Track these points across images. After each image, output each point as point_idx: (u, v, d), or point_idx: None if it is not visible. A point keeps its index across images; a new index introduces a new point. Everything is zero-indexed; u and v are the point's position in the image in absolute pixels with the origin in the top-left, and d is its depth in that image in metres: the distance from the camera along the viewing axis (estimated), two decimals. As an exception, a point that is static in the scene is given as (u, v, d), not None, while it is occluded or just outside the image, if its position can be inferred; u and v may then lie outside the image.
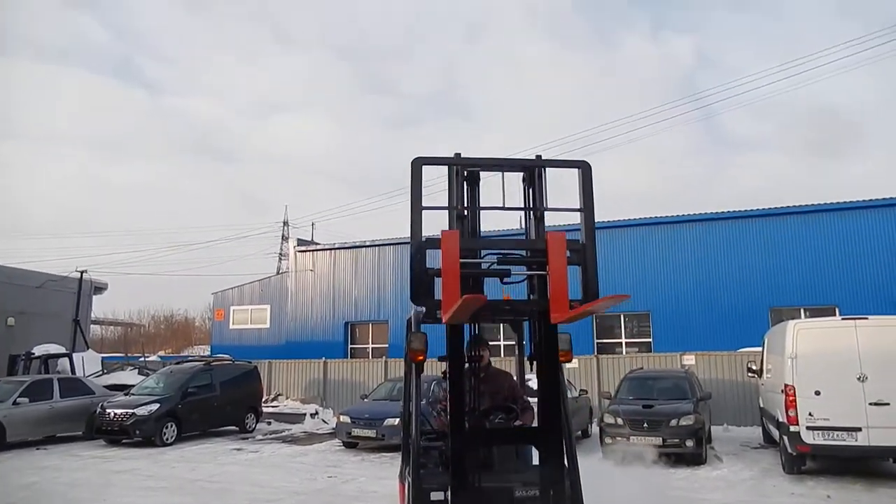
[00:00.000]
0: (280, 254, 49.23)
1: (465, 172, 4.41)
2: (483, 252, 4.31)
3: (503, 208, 4.50)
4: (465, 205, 4.37)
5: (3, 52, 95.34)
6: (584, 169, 4.36)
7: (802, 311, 19.77)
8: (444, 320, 3.84)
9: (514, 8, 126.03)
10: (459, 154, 4.37)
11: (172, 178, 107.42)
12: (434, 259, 3.97)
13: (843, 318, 10.58)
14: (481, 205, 4.54)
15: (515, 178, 4.61)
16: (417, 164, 4.15)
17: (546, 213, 4.41)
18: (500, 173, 4.47)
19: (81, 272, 26.18)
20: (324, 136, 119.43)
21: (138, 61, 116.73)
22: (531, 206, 4.46)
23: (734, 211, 22.18)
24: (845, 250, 20.09)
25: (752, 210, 21.99)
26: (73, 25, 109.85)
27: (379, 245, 26.97)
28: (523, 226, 4.56)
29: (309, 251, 29.17)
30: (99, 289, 29.23)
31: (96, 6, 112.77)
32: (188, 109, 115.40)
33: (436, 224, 4.17)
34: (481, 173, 4.55)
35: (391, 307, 25.69)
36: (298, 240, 32.06)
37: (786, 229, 21.05)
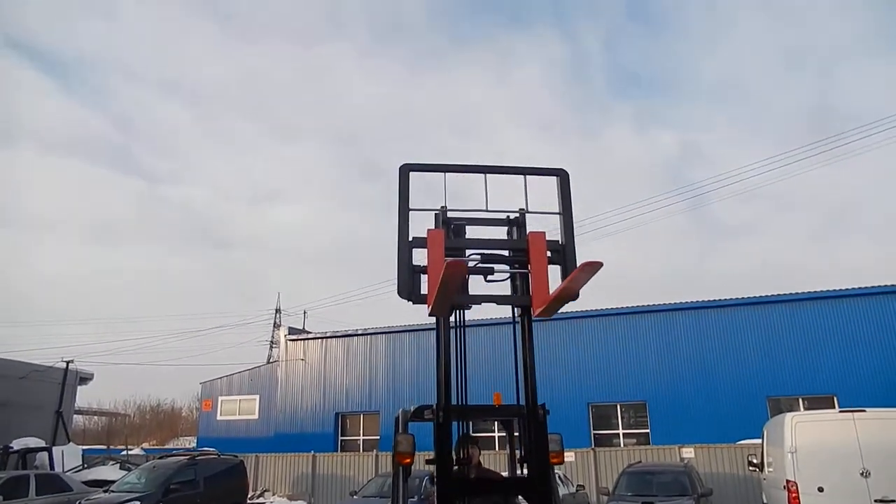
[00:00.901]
0: (271, 341, 48.72)
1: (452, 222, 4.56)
2: (468, 251, 4.41)
3: (486, 211, 4.65)
4: (451, 207, 4.60)
5: (9, 144, 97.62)
6: (563, 176, 4.61)
7: (800, 400, 19.50)
8: (429, 312, 3.97)
9: (502, 106, 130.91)
10: (445, 164, 4.63)
11: (166, 266, 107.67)
12: (421, 258, 4.18)
13: (841, 411, 10.43)
14: (466, 209, 4.74)
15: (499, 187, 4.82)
16: (405, 171, 4.42)
17: (527, 216, 4.59)
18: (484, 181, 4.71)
19: (67, 362, 25.73)
20: (318, 225, 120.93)
21: (135, 152, 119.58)
22: (513, 209, 4.68)
23: (729, 299, 22.21)
24: (841, 338, 20.00)
25: (746, 298, 22.02)
26: (75, 117, 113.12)
27: (371, 334, 26.76)
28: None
29: (300, 340, 28.87)
30: (84, 379, 28.66)
31: (98, 99, 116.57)
32: (183, 198, 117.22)
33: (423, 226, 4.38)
34: (468, 181, 4.79)
35: (383, 397, 25.20)
36: (290, 328, 31.78)
37: (781, 317, 21.02)
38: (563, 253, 4.45)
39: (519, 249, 4.42)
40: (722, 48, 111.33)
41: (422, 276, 4.25)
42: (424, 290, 4.20)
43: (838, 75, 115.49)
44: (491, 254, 4.50)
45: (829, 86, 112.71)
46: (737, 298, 22.09)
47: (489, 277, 4.41)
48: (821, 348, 20.10)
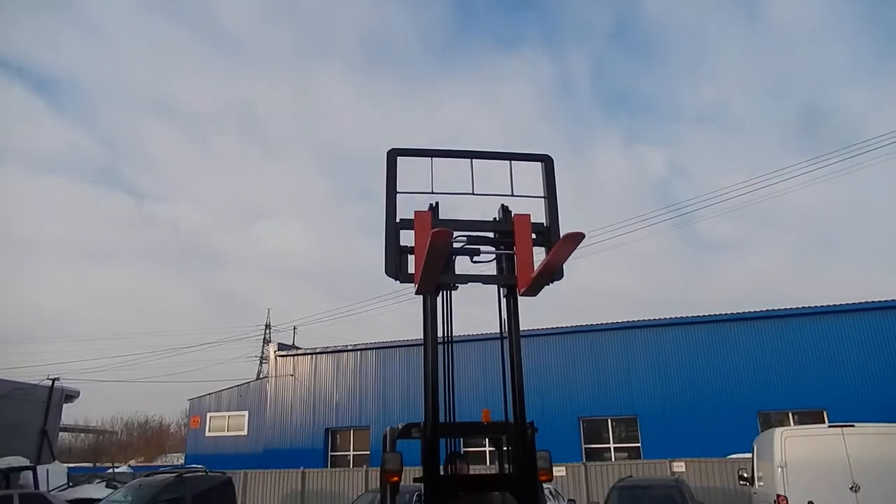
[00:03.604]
0: (261, 357, 48.46)
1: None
2: (454, 233, 4.43)
3: (473, 194, 4.72)
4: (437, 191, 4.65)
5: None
6: (547, 162, 4.70)
7: (790, 414, 19.55)
8: (416, 290, 4.04)
9: (490, 124, 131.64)
10: (432, 149, 4.70)
11: (154, 283, 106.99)
12: (408, 240, 4.23)
13: (830, 426, 10.45)
14: (453, 192, 4.79)
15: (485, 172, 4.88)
16: (393, 156, 4.49)
17: (512, 200, 4.67)
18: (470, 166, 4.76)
19: (53, 380, 25.42)
20: (307, 242, 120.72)
21: (122, 170, 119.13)
22: (499, 194, 4.73)
23: (719, 314, 22.30)
24: (831, 353, 20.09)
25: (736, 313, 22.12)
26: (63, 136, 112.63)
27: (361, 349, 26.64)
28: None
29: (290, 356, 28.69)
30: (70, 396, 28.28)
31: (86, 118, 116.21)
32: (171, 216, 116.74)
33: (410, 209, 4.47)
34: (455, 165, 4.83)
35: (373, 412, 25.04)
36: (279, 344, 31.62)
37: (771, 332, 21.11)
38: (547, 234, 4.53)
39: (504, 231, 4.48)
40: (707, 69, 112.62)
41: (409, 256, 4.31)
42: (412, 270, 4.25)
43: (824, 97, 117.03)
44: (477, 236, 4.55)
45: (814, 107, 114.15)
46: (727, 314, 22.19)
47: (475, 259, 4.48)
48: (811, 363, 20.18)
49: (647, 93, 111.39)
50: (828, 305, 20.98)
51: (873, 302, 20.37)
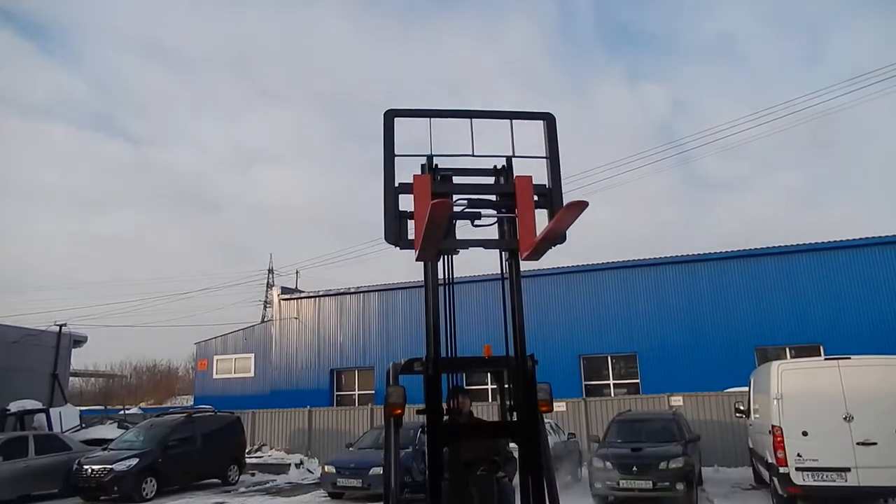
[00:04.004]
0: (265, 302, 48.89)
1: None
2: (454, 196, 4.40)
3: (473, 156, 4.63)
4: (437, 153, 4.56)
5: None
6: (549, 120, 4.54)
7: (787, 349, 19.84)
8: (417, 257, 3.95)
9: (492, 63, 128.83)
10: (431, 109, 4.55)
11: (155, 229, 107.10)
12: (407, 204, 4.13)
13: (826, 359, 10.61)
14: (452, 154, 4.69)
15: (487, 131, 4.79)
16: (390, 116, 4.34)
17: (514, 160, 4.56)
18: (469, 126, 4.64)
19: (60, 326, 25.75)
20: (307, 186, 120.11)
21: (120, 116, 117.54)
22: (499, 154, 4.64)
23: (718, 252, 22.39)
24: (828, 289, 20.26)
25: (736, 251, 22.19)
26: (57, 82, 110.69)
27: (363, 292, 26.88)
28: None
29: (293, 299, 28.97)
30: (78, 342, 28.70)
31: (78, 64, 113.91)
32: (170, 162, 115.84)
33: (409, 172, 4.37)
34: (455, 129, 4.75)
35: (377, 353, 25.45)
36: (283, 288, 31.88)
37: (769, 269, 21.23)
38: (549, 196, 4.42)
39: (506, 194, 4.38)
40: (714, 4, 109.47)
41: (409, 221, 4.22)
42: (412, 235, 4.17)
43: (830, 30, 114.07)
44: (478, 199, 4.47)
45: (819, 40, 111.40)
46: (726, 252, 22.26)
47: (476, 222, 4.40)
48: (808, 299, 20.37)
49: (650, 28, 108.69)
50: (825, 242, 21.05)
51: (871, 238, 20.43)
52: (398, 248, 4.31)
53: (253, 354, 30.22)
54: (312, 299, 28.37)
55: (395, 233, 4.24)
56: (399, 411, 4.35)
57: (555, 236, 3.78)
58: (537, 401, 4.19)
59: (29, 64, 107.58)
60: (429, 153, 4.45)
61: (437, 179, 4.47)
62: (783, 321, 20.43)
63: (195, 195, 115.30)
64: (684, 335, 21.42)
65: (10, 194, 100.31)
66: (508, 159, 4.54)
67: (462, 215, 4.40)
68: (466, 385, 5.06)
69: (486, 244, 4.46)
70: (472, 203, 4.42)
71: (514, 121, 4.66)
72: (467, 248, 4.50)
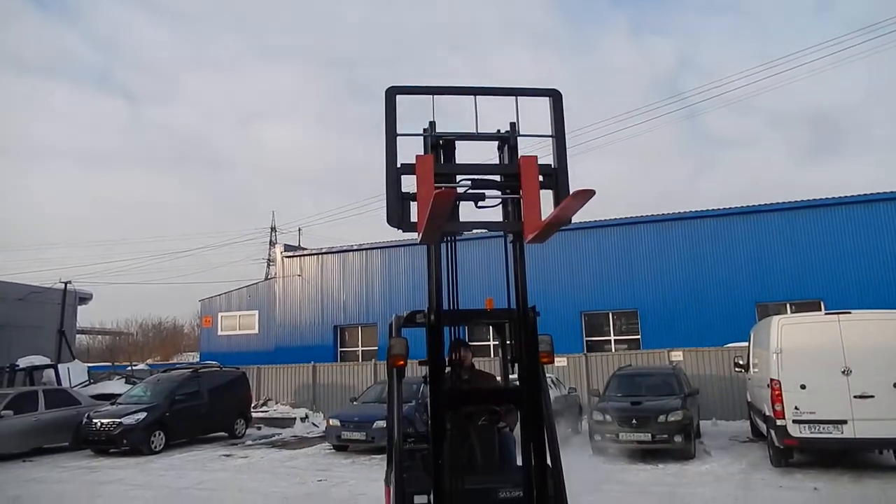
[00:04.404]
0: (268, 259, 49.05)
1: (441, 142, 4.43)
2: (458, 177, 4.35)
3: (477, 135, 4.55)
4: (440, 132, 4.44)
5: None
6: (555, 97, 4.41)
7: (788, 305, 19.91)
8: (419, 241, 3.89)
9: (493, 16, 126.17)
10: (433, 86, 4.42)
11: (157, 188, 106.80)
12: (410, 184, 4.06)
13: (826, 313, 10.67)
14: (456, 132, 4.57)
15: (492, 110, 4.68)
16: (392, 94, 4.20)
17: (519, 140, 4.48)
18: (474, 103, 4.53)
19: (65, 283, 25.93)
20: (309, 143, 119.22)
21: (120, 73, 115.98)
22: (504, 133, 4.52)
23: (720, 209, 22.34)
24: (830, 246, 20.24)
25: (737, 207, 22.13)
26: (55, 39, 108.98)
27: (366, 249, 26.93)
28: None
29: (296, 256, 29.06)
30: (84, 299, 28.96)
31: (77, 21, 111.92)
32: (171, 119, 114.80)
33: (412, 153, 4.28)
34: (457, 105, 4.63)
35: (380, 310, 25.62)
36: (285, 245, 31.96)
37: (771, 226, 21.19)
38: (555, 177, 4.31)
39: (510, 174, 4.26)
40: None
41: (411, 203, 4.10)
42: (415, 217, 4.06)
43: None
44: (481, 179, 4.37)
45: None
46: (729, 208, 22.20)
47: (480, 204, 4.31)
48: (810, 255, 20.37)
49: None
50: (827, 198, 20.97)
51: (873, 194, 20.34)
52: (401, 230, 4.24)
53: (257, 311, 30.48)
54: (315, 256, 28.44)
55: (397, 215, 4.14)
56: (401, 362, 4.39)
57: (560, 223, 3.73)
58: (538, 352, 4.22)
59: (27, 20, 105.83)
60: (431, 131, 4.32)
61: (440, 149, 4.36)
62: (784, 277, 20.48)
63: (196, 153, 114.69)
64: (685, 291, 21.50)
65: (12, 152, 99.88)
66: (513, 137, 4.43)
67: (465, 196, 4.31)
68: (469, 342, 5.11)
69: (490, 226, 4.39)
70: (475, 184, 4.32)
71: (519, 97, 4.52)
72: (471, 230, 4.44)
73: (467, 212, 4.47)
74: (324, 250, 28.67)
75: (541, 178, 4.18)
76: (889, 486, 8.71)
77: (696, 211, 22.64)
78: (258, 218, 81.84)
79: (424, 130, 4.35)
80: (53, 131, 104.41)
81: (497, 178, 4.42)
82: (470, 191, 4.30)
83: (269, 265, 48.66)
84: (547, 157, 4.49)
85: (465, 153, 4.59)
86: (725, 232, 21.68)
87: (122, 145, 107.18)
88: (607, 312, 22.78)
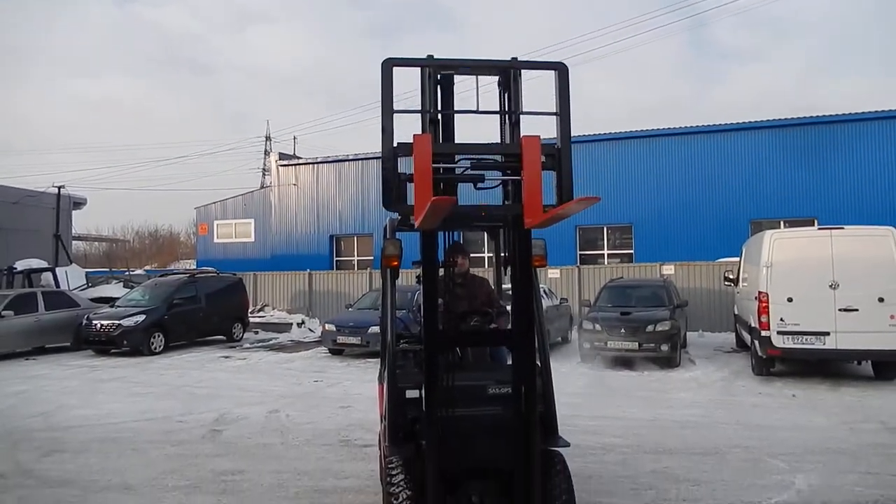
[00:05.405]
0: (263, 169, 48.63)
1: (439, 76, 4.30)
2: (457, 157, 4.24)
3: (477, 112, 4.38)
4: (439, 109, 4.27)
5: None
6: (561, 71, 4.16)
7: (782, 223, 20.02)
8: (416, 226, 3.83)
9: None
10: (432, 56, 4.23)
11: (148, 93, 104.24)
12: (407, 165, 3.92)
13: (819, 228, 10.74)
14: (455, 109, 4.43)
15: (490, 83, 4.49)
16: (388, 66, 3.97)
17: (521, 118, 4.32)
18: (474, 77, 4.34)
19: (59, 187, 25.72)
20: (303, 48, 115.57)
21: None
22: (506, 109, 4.36)
23: (717, 124, 22.10)
24: (825, 164, 20.19)
25: (734, 123, 21.91)
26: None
27: (362, 159, 26.64)
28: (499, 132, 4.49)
29: (291, 165, 28.79)
30: (78, 204, 28.80)
31: None
32: (161, 20, 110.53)
33: (409, 130, 4.10)
34: (455, 76, 4.42)
35: (376, 220, 25.64)
36: (280, 154, 31.58)
37: (767, 142, 21.05)
38: (558, 158, 4.13)
39: (511, 154, 4.10)
40: None
41: (408, 184, 3.92)
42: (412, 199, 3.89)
43: None
44: (481, 159, 4.21)
45: None
46: (726, 124, 22.02)
47: (479, 186, 4.18)
48: (805, 173, 20.35)
49: None
50: (823, 116, 20.86)
51: (870, 112, 20.19)
52: (398, 214, 4.13)
53: (253, 220, 30.49)
54: (311, 166, 28.18)
55: (394, 199, 3.99)
56: (395, 263, 4.41)
57: (559, 220, 3.64)
58: (531, 255, 4.24)
59: None
60: (429, 109, 4.11)
61: (439, 126, 4.17)
62: (779, 195, 20.52)
63: (188, 57, 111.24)
64: (681, 207, 21.54)
65: (5, 57, 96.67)
66: (516, 115, 4.24)
67: (464, 178, 4.18)
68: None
69: (489, 210, 4.26)
70: (475, 164, 4.17)
71: (521, 71, 4.25)
72: (472, 229, 4.22)
73: (465, 191, 4.32)
74: (319, 160, 28.37)
75: (543, 158, 4.02)
76: (866, 394, 9.04)
77: (694, 126, 22.40)
78: (253, 126, 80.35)
79: (422, 108, 4.15)
80: (41, 33, 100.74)
81: (498, 157, 4.26)
82: (469, 171, 4.17)
83: (264, 174, 48.31)
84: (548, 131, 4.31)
85: (465, 130, 4.40)
86: (723, 148, 21.54)
87: (112, 48, 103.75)
88: (602, 227, 22.88)
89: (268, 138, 50.55)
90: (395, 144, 3.99)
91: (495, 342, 5.01)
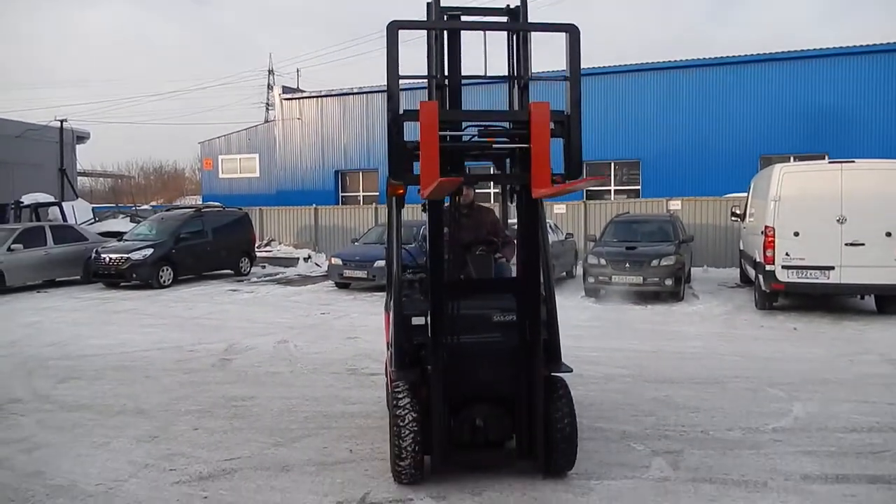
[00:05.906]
0: (266, 104, 47.99)
1: (446, 34, 4.20)
2: (464, 124, 4.18)
3: (485, 78, 4.36)
4: (446, 73, 4.20)
5: None
6: (573, 33, 4.03)
7: (792, 158, 19.73)
8: (422, 196, 3.79)
9: None
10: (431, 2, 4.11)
11: (148, 24, 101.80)
12: (413, 132, 3.85)
13: (830, 162, 10.60)
14: (462, 73, 4.35)
15: (500, 38, 4.39)
16: (393, 29, 3.84)
17: (530, 82, 4.24)
18: (482, 39, 4.26)
19: (61, 121, 25.45)
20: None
21: None
22: (515, 74, 4.28)
23: (727, 57, 21.56)
24: (837, 98, 19.76)
25: (744, 56, 21.37)
26: None
27: (367, 92, 26.18)
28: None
29: (295, 99, 28.35)
30: (81, 138, 28.57)
31: None
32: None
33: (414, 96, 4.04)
34: (462, 35, 4.33)
35: (381, 155, 25.39)
36: (284, 87, 31.07)
37: (779, 76, 20.59)
38: (567, 125, 4.00)
39: (520, 121, 3.95)
40: None
41: (415, 153, 3.80)
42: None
43: None
44: (489, 126, 4.08)
45: None
46: (736, 56, 21.49)
47: (487, 152, 4.08)
48: (817, 108, 19.96)
49: None
50: (835, 48, 20.32)
51: (881, 44, 19.55)
52: (405, 185, 4.04)
53: (257, 154, 30.30)
54: (315, 100, 27.75)
55: (400, 169, 3.91)
56: (401, 191, 4.40)
57: (567, 193, 3.55)
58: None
59: None
60: (436, 75, 3.96)
61: (445, 92, 4.07)
62: (790, 130, 20.21)
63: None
64: (689, 143, 21.25)
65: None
66: (525, 80, 4.09)
67: (470, 146, 4.06)
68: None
69: (497, 179, 4.16)
70: (482, 132, 4.05)
71: (532, 33, 4.11)
72: (476, 183, 4.13)
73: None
74: (323, 93, 27.91)
75: (552, 125, 3.89)
76: (867, 328, 9.14)
77: (704, 59, 21.90)
78: (254, 57, 78.68)
79: (429, 74, 4.02)
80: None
81: (506, 124, 4.14)
82: (476, 139, 4.07)
83: (267, 109, 47.71)
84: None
85: (472, 97, 4.28)
86: (731, 82, 21.12)
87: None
88: (609, 162, 22.63)
89: (271, 72, 49.74)
90: (401, 111, 3.90)
91: (501, 271, 5.06)
